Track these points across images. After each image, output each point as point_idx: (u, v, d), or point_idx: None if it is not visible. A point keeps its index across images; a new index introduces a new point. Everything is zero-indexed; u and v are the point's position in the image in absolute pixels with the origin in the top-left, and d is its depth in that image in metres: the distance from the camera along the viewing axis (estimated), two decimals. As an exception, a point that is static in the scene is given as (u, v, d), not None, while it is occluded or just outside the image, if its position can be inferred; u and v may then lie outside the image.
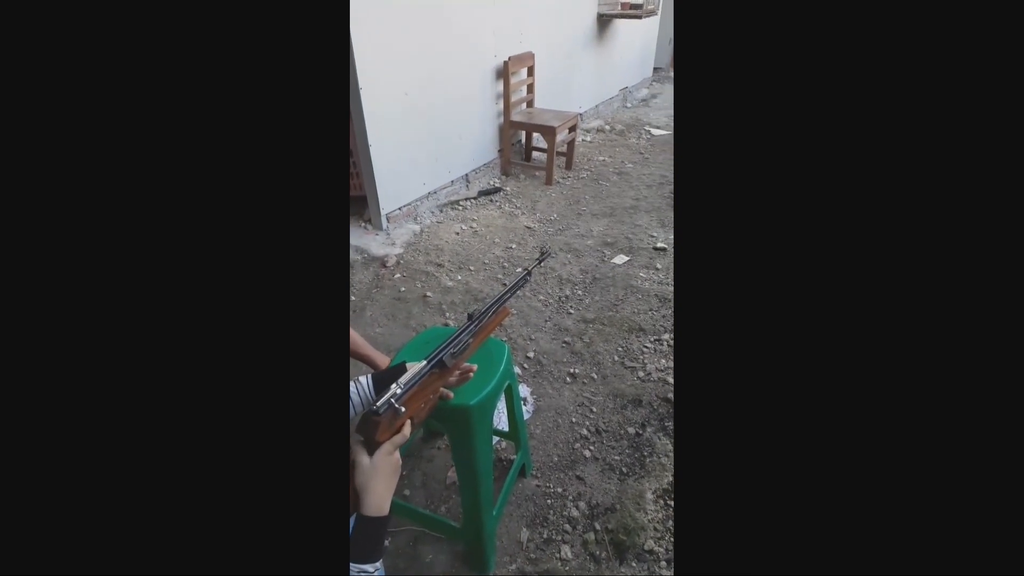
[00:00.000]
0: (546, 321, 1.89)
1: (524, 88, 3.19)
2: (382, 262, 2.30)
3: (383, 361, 1.16)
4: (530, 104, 3.27)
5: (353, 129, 2.34)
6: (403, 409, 0.71)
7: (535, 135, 3.33)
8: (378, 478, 0.66)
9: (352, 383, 0.82)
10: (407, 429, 0.72)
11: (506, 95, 3.00)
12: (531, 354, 1.72)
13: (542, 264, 1.17)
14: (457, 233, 2.57)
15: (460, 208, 2.84)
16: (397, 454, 0.70)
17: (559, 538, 1.14)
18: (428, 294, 2.07)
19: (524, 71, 3.16)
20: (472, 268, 2.26)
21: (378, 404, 0.68)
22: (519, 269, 2.23)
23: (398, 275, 2.22)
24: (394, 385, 0.72)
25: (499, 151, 3.24)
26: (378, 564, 0.64)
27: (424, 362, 0.78)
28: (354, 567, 0.62)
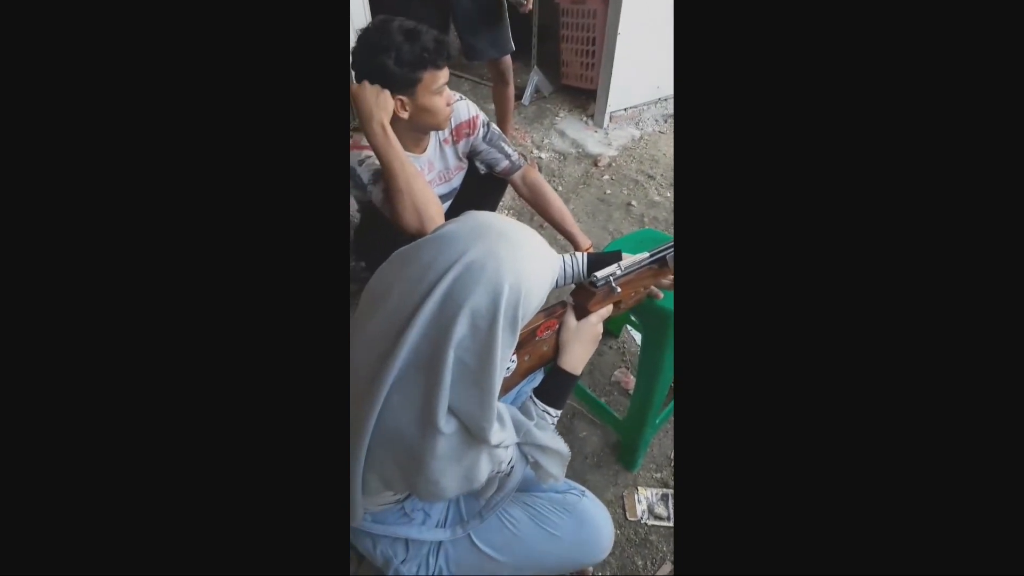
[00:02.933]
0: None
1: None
2: (595, 160, 2.27)
3: (585, 243, 1.18)
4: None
5: (601, 14, 2.22)
6: (619, 289, 0.72)
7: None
8: (580, 340, 0.71)
9: (568, 255, 0.86)
10: (612, 307, 0.74)
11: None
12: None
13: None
14: (678, 148, 2.38)
15: (688, 122, 2.59)
16: (600, 326, 0.73)
17: (710, 471, 1.13)
18: (632, 203, 2.01)
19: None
20: (685, 188, 2.10)
21: (599, 277, 0.71)
22: (738, 201, 2.00)
23: (607, 177, 2.18)
24: (615, 265, 0.73)
25: (753, 64, 2.79)
26: (558, 413, 0.71)
27: (647, 254, 0.77)
28: (540, 405, 0.69)
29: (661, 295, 0.84)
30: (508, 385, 0.69)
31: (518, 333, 0.53)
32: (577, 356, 0.71)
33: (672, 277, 0.83)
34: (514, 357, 0.66)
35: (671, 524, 1.02)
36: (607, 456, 1.14)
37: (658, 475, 1.11)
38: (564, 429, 1.20)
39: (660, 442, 1.18)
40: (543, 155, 2.34)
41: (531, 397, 0.70)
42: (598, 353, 1.39)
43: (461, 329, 0.50)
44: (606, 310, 0.73)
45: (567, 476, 0.72)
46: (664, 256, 0.78)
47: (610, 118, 2.47)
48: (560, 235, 1.25)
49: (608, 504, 1.06)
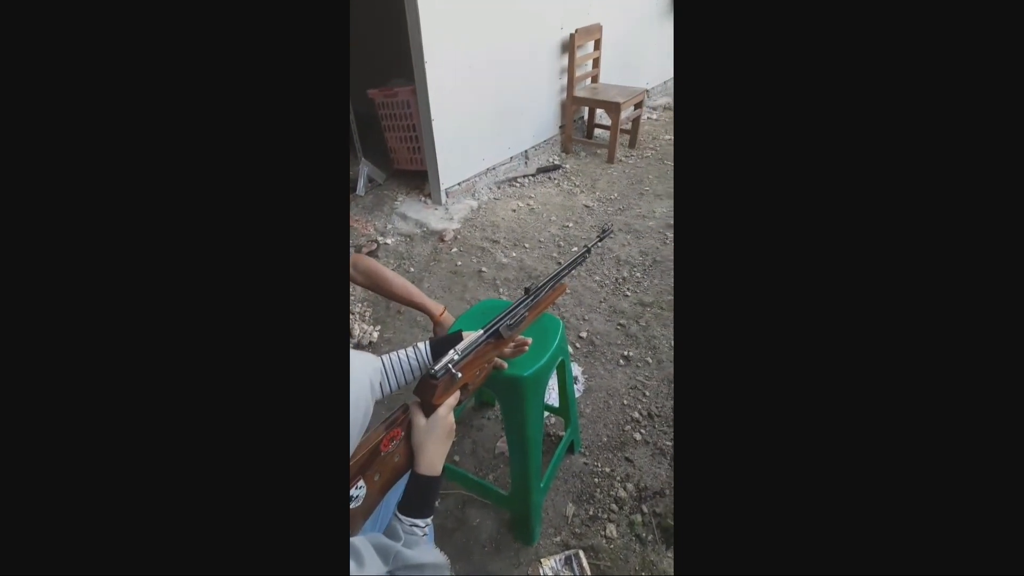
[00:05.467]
0: (601, 302, 1.86)
1: (589, 63, 3.09)
2: (440, 236, 2.34)
3: (437, 310, 1.16)
4: (595, 79, 3.17)
5: (417, 103, 2.37)
6: (459, 375, 0.72)
7: (599, 111, 3.24)
8: (433, 438, 0.68)
9: (411, 348, 0.84)
10: (459, 393, 0.74)
11: (571, 69, 2.92)
12: (584, 334, 1.71)
13: (601, 243, 1.15)
14: (514, 210, 2.56)
15: (518, 185, 2.82)
16: (452, 417, 0.71)
17: (605, 516, 1.14)
18: (483, 269, 2.09)
19: (591, 44, 3.05)
20: (527, 246, 2.25)
21: (436, 368, 0.70)
22: (575, 248, 2.20)
23: (455, 249, 2.25)
24: (452, 351, 0.73)
25: (560, 128, 3.18)
26: (428, 520, 0.67)
27: (481, 331, 0.79)
28: (406, 520, 0.65)
29: (506, 366, 0.86)
30: (366, 510, 0.64)
31: (342, 464, 0.49)
32: (433, 456, 0.68)
33: (512, 345, 0.86)
34: (361, 483, 0.61)
35: (581, 586, 1.00)
36: (504, 537, 1.10)
37: (557, 539, 1.10)
38: (456, 520, 1.13)
39: (552, 503, 1.17)
40: (389, 240, 2.35)
41: (395, 514, 0.65)
42: (477, 428, 1.37)
43: None
44: (453, 399, 0.72)
45: (468, 571, 0.67)
46: (497, 328, 0.80)
47: (446, 194, 2.58)
48: (416, 310, 1.23)
49: (515, 590, 1.01)
